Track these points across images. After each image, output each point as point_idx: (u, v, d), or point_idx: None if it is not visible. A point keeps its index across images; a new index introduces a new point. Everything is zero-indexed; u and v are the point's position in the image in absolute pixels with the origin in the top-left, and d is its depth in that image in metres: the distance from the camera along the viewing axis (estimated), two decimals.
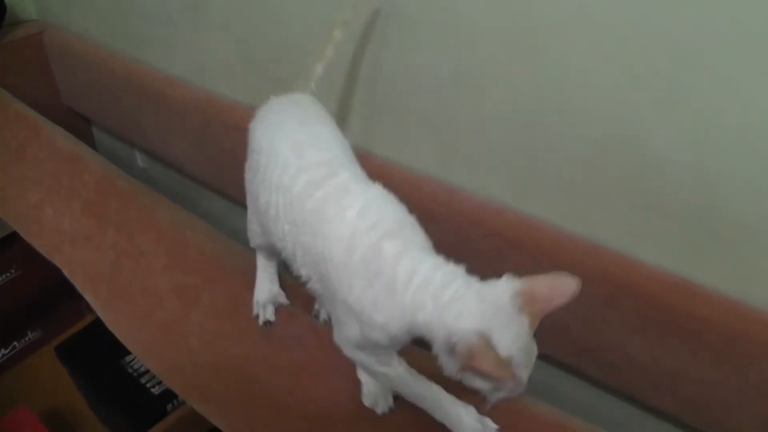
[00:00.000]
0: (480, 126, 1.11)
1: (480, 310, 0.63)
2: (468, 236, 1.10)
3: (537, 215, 1.09)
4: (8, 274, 1.77)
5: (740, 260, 0.92)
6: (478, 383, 0.64)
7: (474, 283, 0.66)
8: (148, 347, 0.89)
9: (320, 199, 0.71)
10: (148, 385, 1.41)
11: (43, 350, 1.80)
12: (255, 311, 0.88)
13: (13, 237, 1.89)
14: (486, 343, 0.61)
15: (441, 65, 1.10)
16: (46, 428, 1.40)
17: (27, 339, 1.77)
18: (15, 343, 1.74)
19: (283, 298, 0.90)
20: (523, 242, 1.06)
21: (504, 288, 0.64)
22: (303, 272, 0.74)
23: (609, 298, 1.00)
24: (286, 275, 0.91)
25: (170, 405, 1.38)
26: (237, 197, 1.44)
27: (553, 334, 1.08)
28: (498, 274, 1.00)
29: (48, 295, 1.79)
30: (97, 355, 1.49)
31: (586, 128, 0.98)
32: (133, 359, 1.46)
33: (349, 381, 0.74)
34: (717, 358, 0.93)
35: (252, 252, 0.91)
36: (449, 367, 0.64)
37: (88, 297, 0.97)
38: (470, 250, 1.10)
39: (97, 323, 1.53)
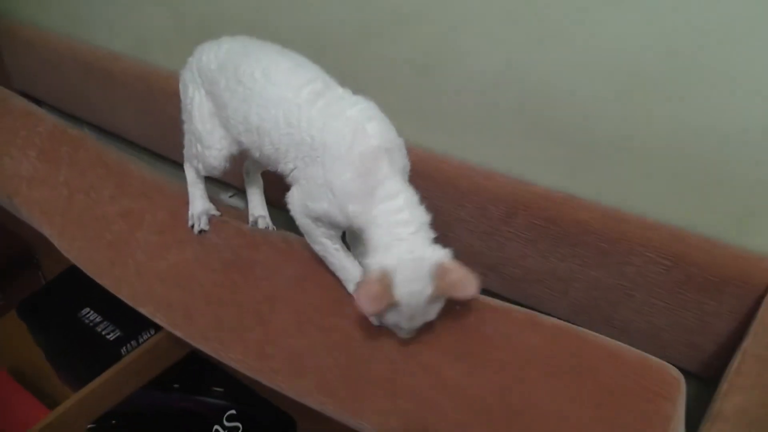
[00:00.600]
0: (388, 74, 1.24)
1: (403, 258, 0.76)
2: None
3: (442, 150, 1.22)
4: None
5: (614, 173, 1.07)
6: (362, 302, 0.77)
7: (421, 236, 0.78)
8: (100, 265, 1.01)
9: (325, 103, 0.84)
10: (103, 333, 1.52)
11: (5, 317, 1.89)
12: (190, 222, 1.00)
13: None
14: (380, 278, 0.74)
15: (350, 21, 1.24)
16: (13, 378, 1.51)
17: None
18: None
19: (214, 210, 1.02)
20: (431, 174, 1.20)
21: (432, 255, 0.77)
22: (290, 166, 0.86)
23: (506, 215, 1.14)
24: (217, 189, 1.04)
25: (124, 349, 1.49)
26: (180, 160, 1.57)
27: (463, 257, 1.23)
28: (437, 203, 1.15)
29: (9, 264, 1.89)
30: (55, 311, 1.60)
31: (474, 67, 1.12)
32: (89, 312, 1.57)
33: (269, 272, 0.87)
34: (599, 258, 1.07)
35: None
36: (350, 287, 0.80)
37: (45, 230, 1.08)
38: None
39: (55, 283, 1.66)
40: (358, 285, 0.75)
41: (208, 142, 0.94)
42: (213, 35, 1.49)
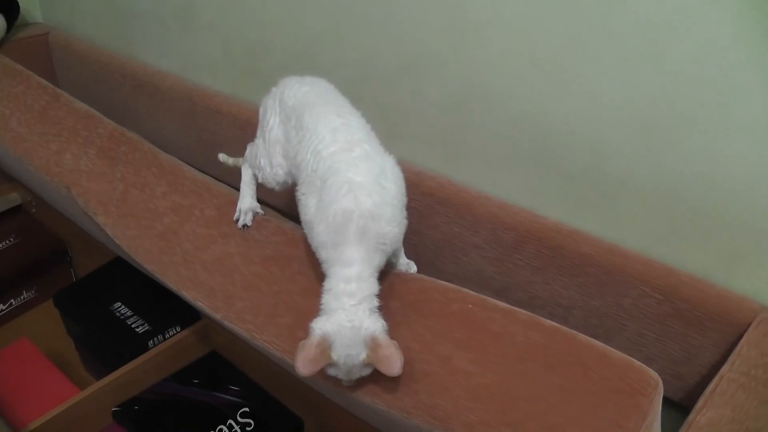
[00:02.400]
0: (419, 109, 1.37)
1: (341, 327, 0.85)
2: (408, 196, 1.35)
3: (462, 180, 1.34)
4: (8, 241, 1.99)
5: (617, 211, 1.18)
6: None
7: (363, 309, 0.86)
8: (150, 252, 1.12)
9: (338, 159, 0.93)
10: (132, 326, 1.63)
11: (36, 309, 2.00)
12: (236, 216, 1.11)
13: (15, 210, 2.13)
14: (318, 343, 0.84)
15: (389, 58, 1.37)
16: (47, 358, 1.62)
17: (22, 297, 1.97)
18: (12, 300, 1.95)
19: (259, 209, 1.13)
20: (450, 201, 1.31)
21: (369, 327, 0.85)
22: (301, 193, 0.97)
23: (516, 244, 1.25)
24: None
25: (151, 342, 1.60)
26: (217, 174, 1.69)
27: (475, 279, 1.34)
28: (431, 225, 1.27)
29: (42, 261, 2.00)
30: (89, 302, 1.71)
31: (502, 108, 1.24)
32: (120, 306, 1.69)
33: (305, 267, 0.98)
34: (599, 288, 1.18)
35: (232, 182, 1.16)
36: None
37: (100, 219, 1.19)
38: (409, 207, 1.35)
39: (90, 277, 1.77)
40: (299, 345, 0.85)
41: (268, 162, 1.06)
42: (258, 61, 1.63)
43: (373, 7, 1.35)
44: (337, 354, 0.85)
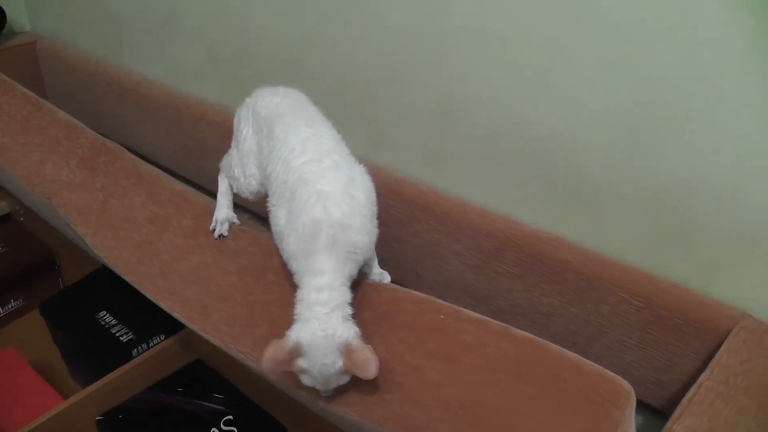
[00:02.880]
0: (401, 115, 1.37)
1: (315, 336, 0.85)
2: (388, 203, 1.35)
3: (442, 187, 1.34)
4: None
5: (597, 218, 1.18)
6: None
7: (336, 317, 0.86)
8: (128, 262, 1.11)
9: (308, 171, 0.93)
10: (117, 335, 1.62)
11: (23, 318, 2.00)
12: (212, 226, 1.10)
13: (3, 219, 2.12)
14: (291, 349, 0.84)
15: (369, 64, 1.36)
16: (32, 368, 1.62)
17: (10, 306, 1.97)
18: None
19: (235, 219, 1.13)
20: (430, 208, 1.31)
21: (342, 334, 0.85)
22: (272, 203, 0.98)
23: (497, 251, 1.25)
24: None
25: (135, 350, 1.59)
26: (202, 182, 1.69)
27: (456, 286, 1.34)
28: (412, 232, 1.26)
29: (30, 269, 2.00)
30: (74, 311, 1.71)
31: (483, 114, 1.24)
32: (106, 315, 1.68)
33: (281, 277, 0.97)
34: (578, 294, 1.17)
35: (208, 193, 1.16)
36: None
37: (80, 230, 1.18)
38: (390, 214, 1.35)
39: (76, 286, 1.77)
40: (271, 343, 0.85)
41: (241, 172, 1.06)
42: (243, 68, 1.63)
43: (356, 15, 1.35)
44: (311, 363, 0.85)
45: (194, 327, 1.00)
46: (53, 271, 2.06)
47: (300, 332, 0.85)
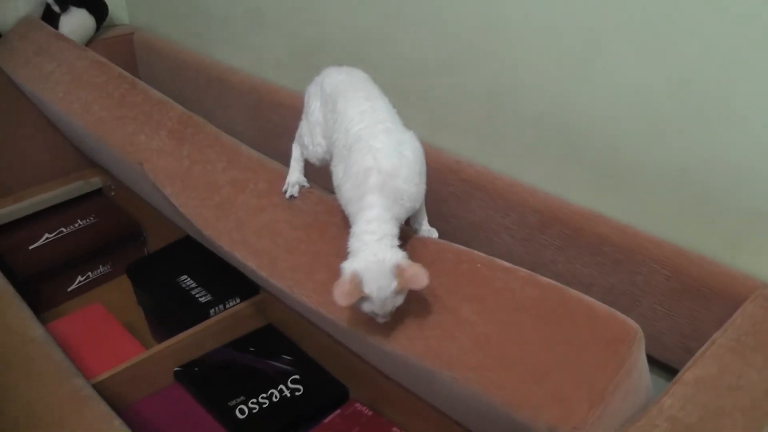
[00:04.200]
0: (458, 102, 1.49)
1: (368, 262, 0.95)
2: (447, 182, 1.47)
3: (495, 167, 1.46)
4: (88, 220, 2.19)
5: (631, 196, 1.28)
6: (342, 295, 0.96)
7: (385, 244, 0.97)
8: (207, 219, 1.26)
9: (364, 132, 1.05)
10: (196, 296, 1.79)
11: (110, 283, 2.19)
12: (284, 188, 1.24)
13: (96, 193, 2.33)
14: (350, 279, 0.94)
15: (430, 55, 1.50)
16: (120, 323, 1.80)
17: (99, 271, 2.17)
18: (89, 273, 2.14)
19: (305, 182, 1.26)
20: (485, 186, 1.43)
21: (392, 257, 0.96)
22: (333, 165, 1.11)
23: (542, 225, 1.36)
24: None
25: (213, 310, 1.76)
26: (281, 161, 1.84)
27: (505, 258, 1.44)
28: (468, 209, 1.39)
29: (118, 239, 2.20)
30: (158, 274, 1.88)
31: (530, 102, 1.36)
32: (186, 278, 1.85)
33: (341, 232, 1.10)
34: (614, 266, 1.28)
35: (282, 160, 1.30)
36: None
37: (167, 190, 1.34)
38: (449, 192, 1.47)
39: (160, 252, 1.94)
40: (334, 285, 0.95)
41: (310, 141, 1.20)
42: (319, 57, 1.78)
43: (419, 11, 1.48)
44: (369, 288, 0.95)
45: (263, 274, 1.14)
46: (140, 242, 2.25)
47: (354, 262, 0.96)
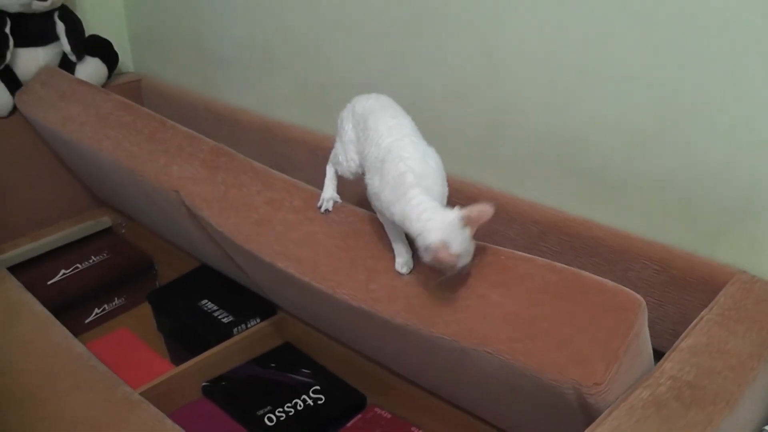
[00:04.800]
0: (461, 128, 1.67)
1: (443, 228, 1.10)
2: (452, 201, 1.63)
3: (497, 186, 1.64)
4: (102, 256, 2.32)
5: (620, 202, 1.46)
6: (438, 266, 1.12)
7: (440, 210, 1.13)
8: (248, 235, 1.40)
9: (394, 145, 1.20)
10: (219, 317, 1.92)
11: (125, 315, 2.31)
12: (320, 203, 1.39)
13: (106, 231, 2.46)
14: (444, 247, 1.09)
15: (435, 88, 1.68)
16: (147, 344, 1.92)
17: (114, 303, 2.29)
18: (105, 305, 2.26)
19: (338, 198, 1.40)
20: (502, 206, 1.59)
21: (455, 215, 1.12)
22: (368, 177, 1.25)
23: (541, 233, 1.53)
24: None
25: (236, 329, 1.89)
26: None
27: None
28: (492, 225, 1.55)
29: (131, 272, 2.32)
30: (180, 299, 2.02)
31: (527, 124, 1.54)
32: (207, 302, 1.98)
33: (377, 238, 1.24)
34: (609, 265, 1.44)
35: (319, 179, 1.45)
36: (424, 257, 1.13)
37: (204, 213, 1.48)
38: None
39: (180, 280, 2.08)
40: (434, 257, 1.09)
41: (344, 158, 1.35)
42: (327, 95, 1.95)
43: (422, 45, 1.67)
44: (456, 248, 1.09)
45: (305, 279, 1.29)
46: (152, 274, 2.38)
47: (429, 238, 1.10)
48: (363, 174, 1.31)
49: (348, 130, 1.35)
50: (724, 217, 1.33)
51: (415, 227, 1.13)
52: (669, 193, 1.38)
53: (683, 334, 1.17)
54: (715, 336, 1.16)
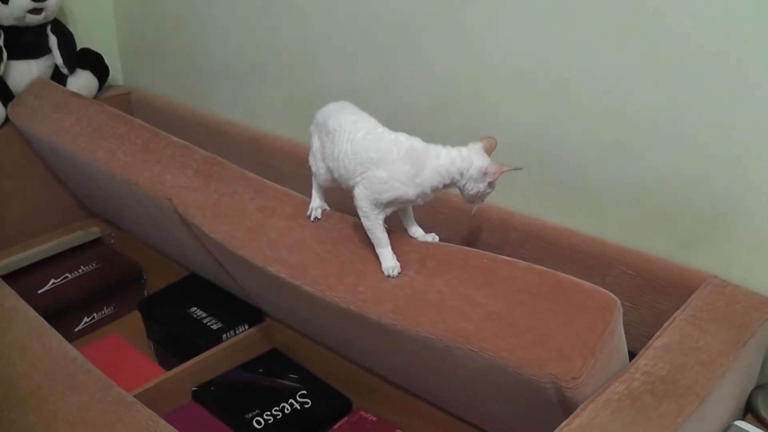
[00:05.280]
0: (446, 139, 1.69)
1: (481, 156, 1.25)
2: (437, 209, 1.70)
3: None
4: (91, 266, 2.36)
5: (598, 210, 1.53)
6: (483, 191, 1.27)
7: (465, 149, 1.26)
8: (241, 240, 1.45)
9: (374, 135, 1.28)
10: (208, 324, 1.97)
11: (115, 323, 2.35)
12: (309, 212, 1.44)
13: (96, 241, 2.50)
14: (496, 165, 1.24)
15: (422, 100, 1.74)
16: (138, 350, 1.96)
17: (103, 312, 2.32)
18: (94, 314, 2.29)
19: (325, 206, 1.44)
20: (485, 215, 1.66)
21: (479, 145, 1.26)
22: (351, 182, 1.29)
23: (522, 241, 1.59)
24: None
25: (225, 335, 1.94)
26: None
27: None
28: (457, 232, 1.61)
29: (120, 282, 2.36)
30: (170, 307, 2.06)
31: (511, 135, 1.59)
32: (196, 309, 2.03)
33: (365, 243, 1.29)
34: (587, 270, 1.50)
35: (307, 190, 1.51)
36: (475, 188, 1.26)
37: (198, 221, 1.53)
38: (438, 219, 1.70)
39: (169, 288, 2.12)
40: (494, 175, 1.25)
41: (315, 166, 1.40)
42: (318, 107, 2.00)
43: (409, 60, 1.74)
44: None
45: (297, 283, 1.34)
46: (140, 284, 2.42)
47: (482, 164, 1.25)
48: (333, 178, 1.37)
49: (314, 140, 1.41)
50: (697, 225, 1.40)
51: (460, 165, 1.25)
52: (645, 202, 1.45)
53: (657, 333, 1.23)
54: (687, 335, 1.22)
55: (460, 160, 1.25)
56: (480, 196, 1.29)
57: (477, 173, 1.25)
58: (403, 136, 1.29)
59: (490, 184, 1.26)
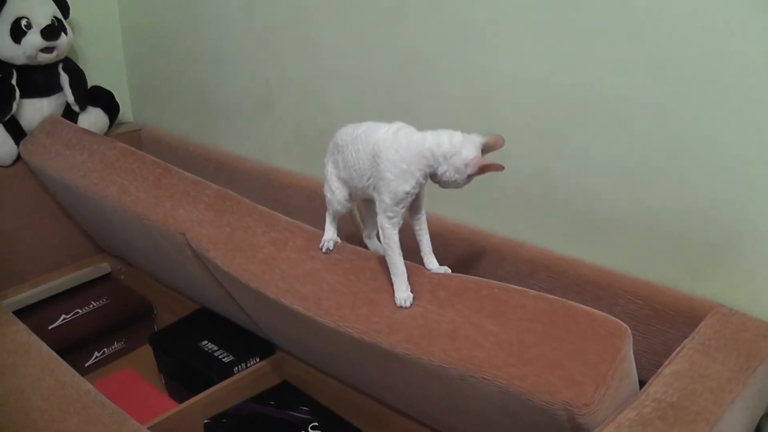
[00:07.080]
0: None
1: (472, 148, 1.25)
2: (447, 242, 1.73)
3: (488, 228, 1.73)
4: (102, 301, 2.38)
5: (606, 242, 1.55)
6: (459, 182, 1.27)
7: (461, 135, 1.27)
8: (253, 273, 1.47)
9: (368, 129, 1.32)
10: (219, 357, 1.98)
11: (125, 358, 2.36)
12: (321, 244, 1.47)
13: (106, 276, 2.52)
14: (482, 158, 1.25)
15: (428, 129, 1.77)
16: (150, 383, 1.97)
17: (114, 347, 2.34)
18: (105, 349, 2.31)
19: (338, 239, 1.47)
20: (480, 243, 1.68)
21: (479, 138, 1.27)
22: (366, 182, 1.31)
23: (531, 272, 1.61)
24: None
25: (237, 368, 1.95)
26: None
27: None
28: (468, 264, 1.63)
29: (130, 317, 2.38)
30: (180, 341, 2.07)
31: (517, 169, 1.62)
32: (208, 343, 2.04)
33: (377, 274, 1.32)
34: (596, 300, 1.52)
35: (316, 224, 1.53)
36: (453, 177, 1.26)
37: (210, 254, 1.55)
38: (449, 251, 1.73)
39: (179, 323, 2.14)
40: (476, 169, 1.25)
41: (331, 191, 1.42)
42: (325, 142, 2.03)
43: (418, 97, 1.78)
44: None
45: (310, 314, 1.36)
46: (150, 319, 2.44)
47: (468, 154, 1.25)
48: (350, 193, 1.40)
49: (328, 167, 1.44)
50: (704, 254, 1.42)
51: (446, 150, 1.25)
52: (652, 232, 1.47)
53: (666, 361, 1.25)
54: (696, 362, 1.24)
55: (447, 145, 1.25)
56: (455, 185, 1.29)
57: (459, 163, 1.25)
58: (397, 125, 1.31)
59: (469, 177, 1.27)
